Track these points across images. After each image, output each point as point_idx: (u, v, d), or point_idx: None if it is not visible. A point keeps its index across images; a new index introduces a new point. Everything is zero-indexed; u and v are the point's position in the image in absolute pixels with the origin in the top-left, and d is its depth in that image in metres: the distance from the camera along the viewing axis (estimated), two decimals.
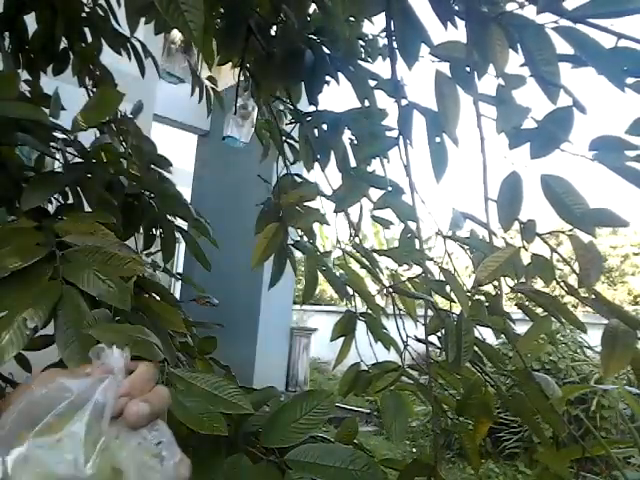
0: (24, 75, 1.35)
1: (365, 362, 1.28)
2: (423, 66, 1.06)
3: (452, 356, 1.05)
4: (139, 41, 1.70)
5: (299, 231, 1.39)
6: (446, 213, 1.19)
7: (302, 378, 6.75)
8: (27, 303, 0.71)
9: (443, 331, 1.12)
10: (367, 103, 1.33)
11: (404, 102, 1.13)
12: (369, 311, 1.36)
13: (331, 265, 1.35)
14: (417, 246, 1.18)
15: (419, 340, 1.23)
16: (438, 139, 1.08)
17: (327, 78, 1.35)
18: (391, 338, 1.32)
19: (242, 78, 1.55)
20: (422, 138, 1.09)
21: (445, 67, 1.01)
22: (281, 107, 1.77)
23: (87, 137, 1.13)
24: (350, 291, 1.37)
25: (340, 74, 1.36)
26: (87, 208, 1.05)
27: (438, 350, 1.21)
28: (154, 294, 1.02)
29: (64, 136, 1.07)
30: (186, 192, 6.89)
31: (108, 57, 1.64)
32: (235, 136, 1.79)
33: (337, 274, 1.35)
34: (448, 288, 1.16)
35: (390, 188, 1.24)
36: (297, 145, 1.59)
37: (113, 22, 1.62)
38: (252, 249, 1.18)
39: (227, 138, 1.78)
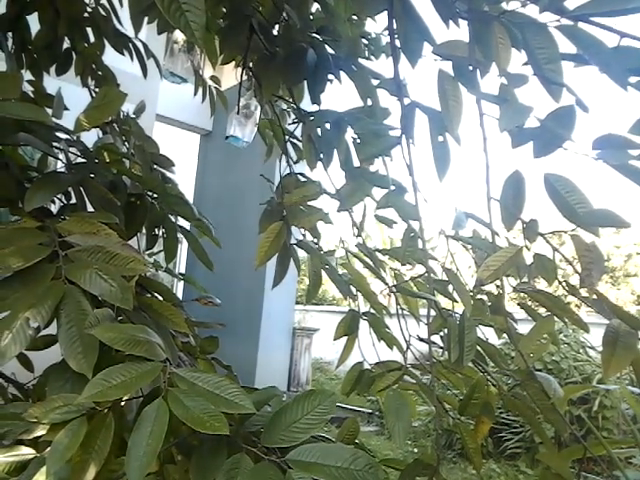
0: (27, 75, 1.35)
1: (368, 362, 1.28)
2: (426, 65, 1.05)
3: (455, 355, 1.05)
4: (141, 41, 1.71)
5: (302, 230, 1.39)
6: (449, 212, 1.18)
7: (304, 378, 6.76)
8: (30, 303, 0.71)
9: (446, 330, 1.12)
10: (370, 102, 1.33)
11: (407, 101, 1.13)
12: (372, 311, 1.36)
13: (334, 264, 1.35)
14: (420, 245, 1.18)
15: (422, 339, 1.23)
16: (441, 138, 1.07)
17: (330, 77, 1.35)
18: (394, 337, 1.32)
19: (245, 78, 1.55)
20: (425, 137, 1.08)
21: (448, 66, 1.01)
22: (284, 106, 1.77)
23: (90, 137, 1.13)
24: (353, 290, 1.37)
25: (343, 73, 1.36)
26: (90, 208, 1.05)
27: (441, 350, 1.21)
28: (156, 294, 1.03)
29: (67, 136, 1.07)
30: (189, 192, 6.90)
31: (110, 57, 1.65)
32: (238, 136, 1.79)
33: (340, 273, 1.35)
34: (451, 288, 1.16)
35: (393, 187, 1.24)
36: (300, 144, 1.59)
37: (115, 22, 1.62)
38: (255, 249, 1.18)
39: (230, 138, 1.78)
